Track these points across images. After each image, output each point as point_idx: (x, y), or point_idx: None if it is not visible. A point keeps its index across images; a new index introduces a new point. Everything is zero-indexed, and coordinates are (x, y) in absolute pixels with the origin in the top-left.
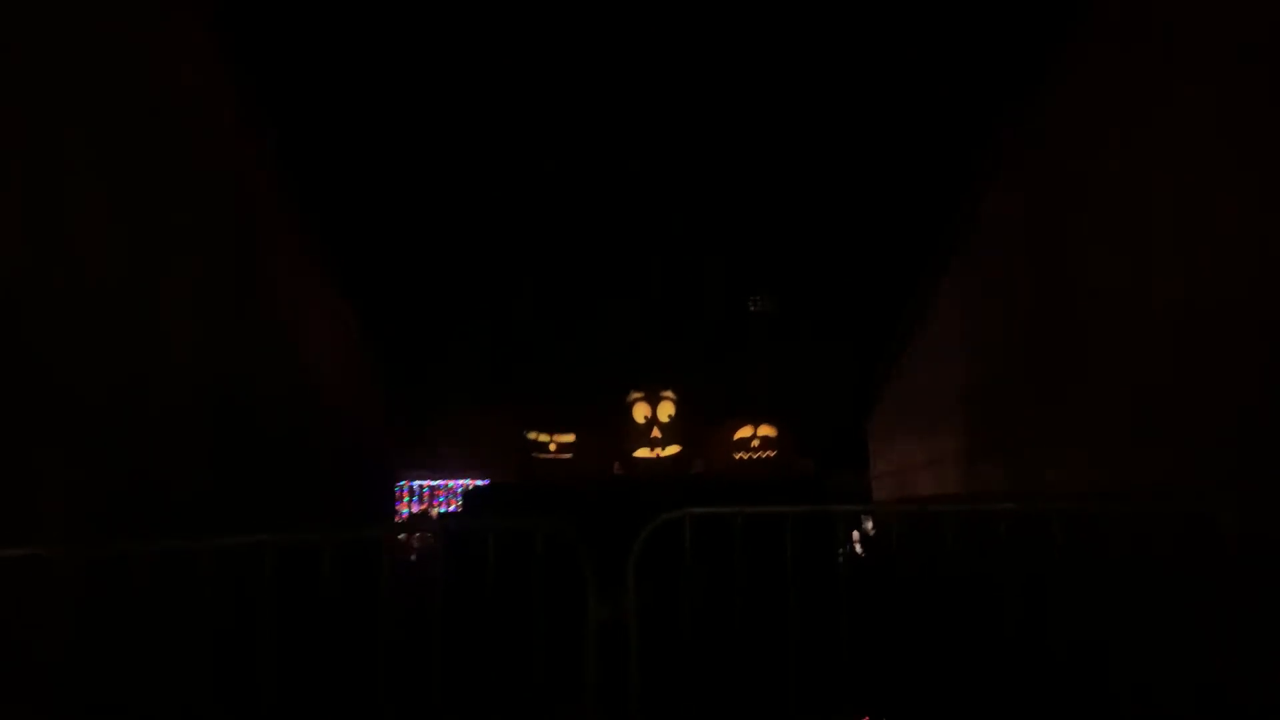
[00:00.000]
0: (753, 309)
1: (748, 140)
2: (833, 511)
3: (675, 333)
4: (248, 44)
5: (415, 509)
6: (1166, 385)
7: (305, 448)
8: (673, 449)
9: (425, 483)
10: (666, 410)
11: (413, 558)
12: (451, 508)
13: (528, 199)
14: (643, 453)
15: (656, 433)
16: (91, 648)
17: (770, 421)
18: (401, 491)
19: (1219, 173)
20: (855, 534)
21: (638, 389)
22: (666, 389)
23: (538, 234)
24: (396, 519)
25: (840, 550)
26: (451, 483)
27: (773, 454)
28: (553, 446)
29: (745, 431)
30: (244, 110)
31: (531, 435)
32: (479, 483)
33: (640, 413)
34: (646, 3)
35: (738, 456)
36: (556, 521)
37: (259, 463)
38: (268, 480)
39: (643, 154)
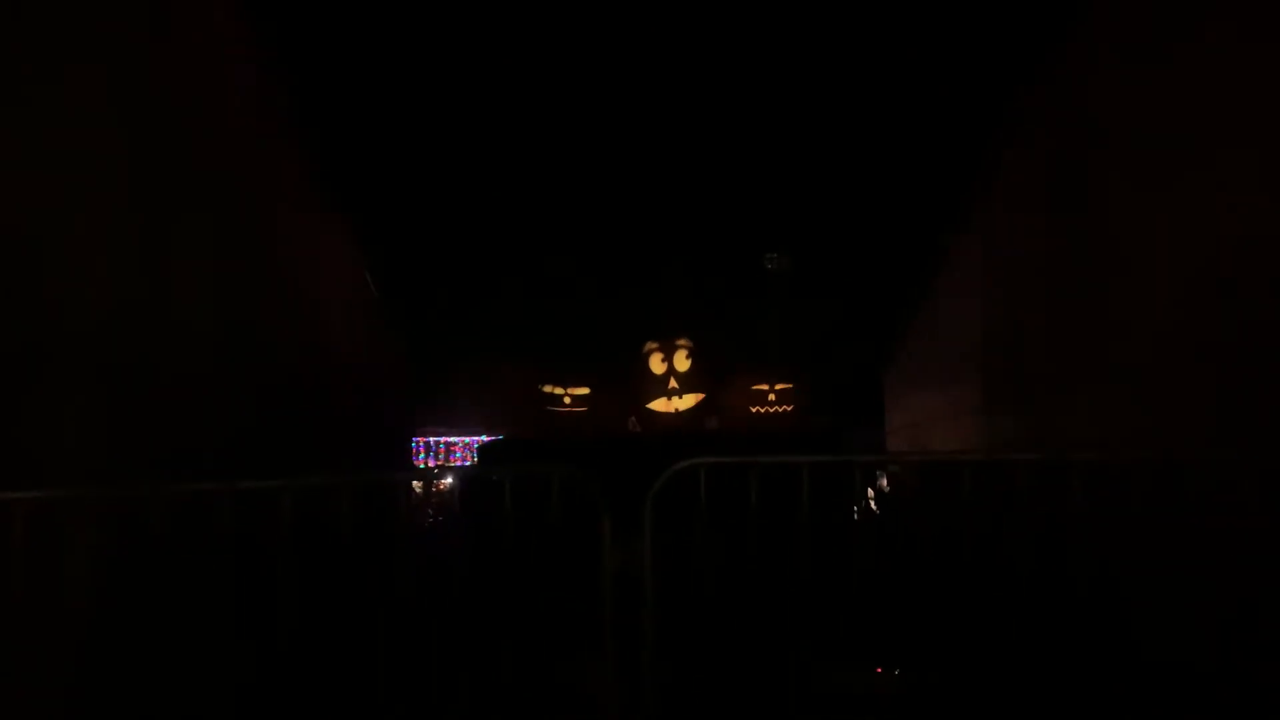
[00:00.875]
0: (769, 267)
1: (767, 95)
2: (851, 462)
3: (692, 287)
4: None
5: (431, 464)
6: (1187, 334)
7: (324, 403)
8: (690, 399)
9: (441, 439)
10: (682, 359)
11: (429, 512)
12: (466, 463)
13: (545, 155)
14: (659, 404)
15: (674, 383)
16: (111, 590)
17: (787, 375)
18: (417, 448)
19: (1239, 117)
20: (870, 490)
21: (653, 340)
22: (682, 338)
23: (554, 189)
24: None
25: (856, 505)
26: (467, 438)
27: (789, 408)
28: (567, 399)
29: (762, 385)
30: (264, 67)
31: (546, 389)
32: (494, 438)
33: (655, 363)
34: None
35: (754, 410)
36: (573, 468)
37: (278, 416)
38: (287, 434)
39: (661, 109)
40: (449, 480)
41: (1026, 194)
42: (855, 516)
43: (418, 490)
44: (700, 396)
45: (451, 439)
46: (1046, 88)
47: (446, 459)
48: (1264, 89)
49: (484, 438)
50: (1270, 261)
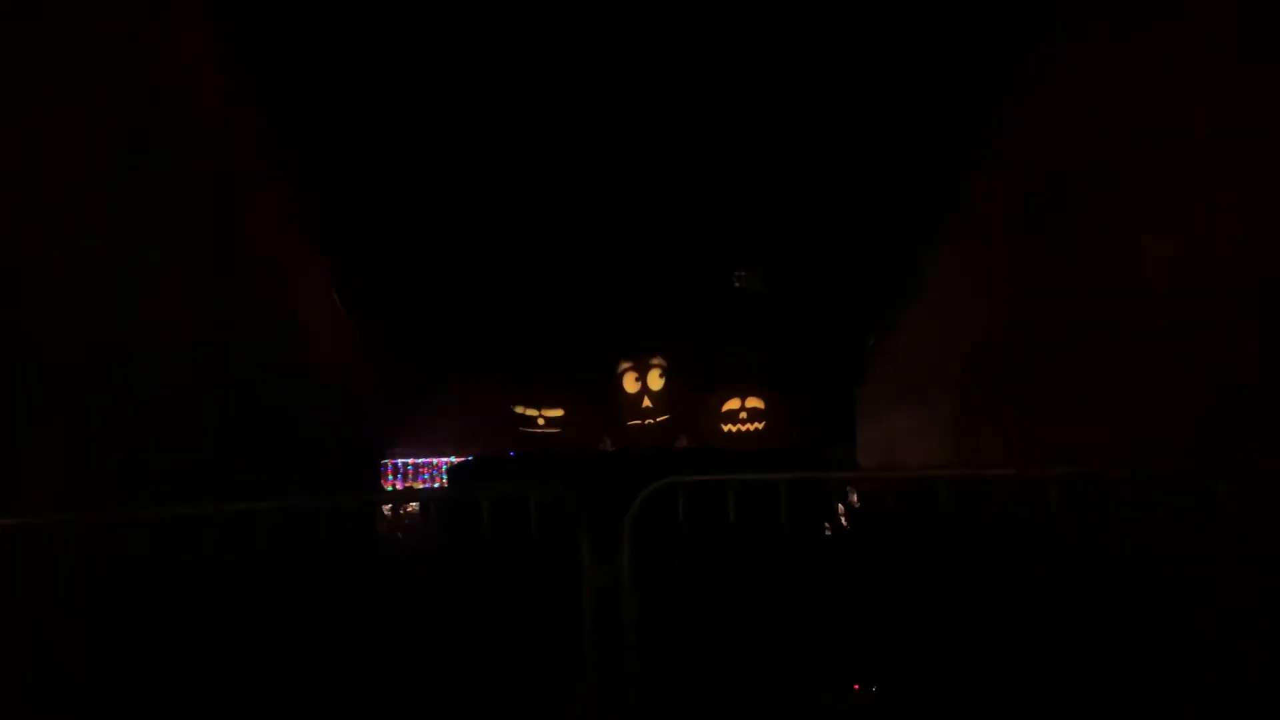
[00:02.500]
0: (737, 285)
1: (739, 110)
2: (825, 479)
3: (664, 306)
4: (239, 6)
5: (401, 486)
6: (1161, 350)
7: (294, 423)
8: (663, 418)
9: (411, 460)
10: (656, 379)
11: (400, 535)
12: (437, 485)
13: (517, 173)
14: (636, 423)
15: (648, 402)
16: (85, 616)
17: (758, 393)
18: (387, 470)
19: (1210, 133)
20: (840, 507)
21: (627, 360)
22: (655, 357)
23: (526, 208)
24: None
25: (827, 524)
26: (437, 460)
27: (761, 426)
28: (541, 421)
29: (733, 404)
30: (237, 85)
31: (519, 409)
32: (464, 459)
33: (631, 382)
34: None
35: (726, 428)
36: (550, 487)
37: (249, 438)
38: (258, 455)
39: (635, 131)
40: (414, 505)
41: (998, 209)
42: (828, 533)
43: (387, 513)
44: (670, 416)
45: (421, 460)
46: (1017, 103)
47: (416, 480)
48: (1231, 103)
49: (453, 459)
50: (1240, 273)
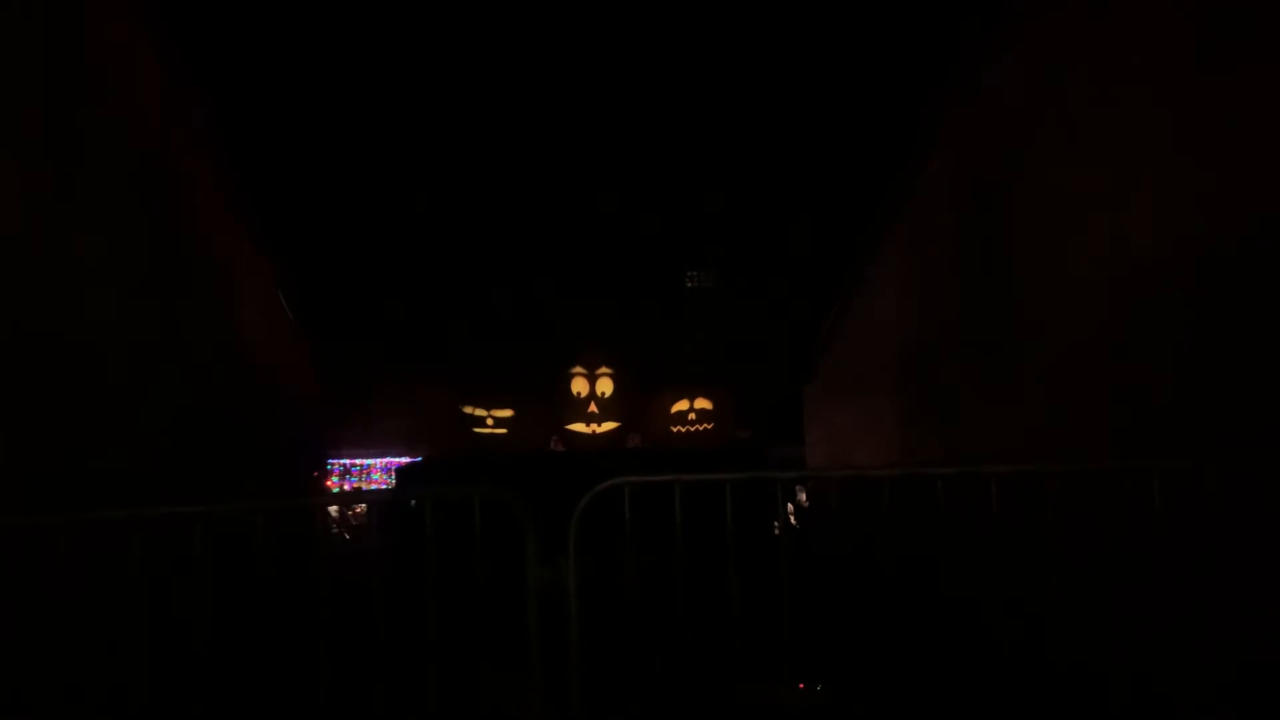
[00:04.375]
0: (690, 285)
1: (683, 111)
2: (771, 478)
3: (613, 305)
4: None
5: (347, 488)
6: (1096, 348)
7: (236, 423)
8: (609, 425)
9: (357, 460)
10: (604, 387)
11: (346, 536)
12: (383, 485)
13: (464, 168)
14: (578, 427)
15: (594, 408)
16: (20, 623)
17: (707, 394)
18: (332, 470)
19: (1149, 129)
20: (789, 505)
21: (577, 364)
22: (606, 366)
23: (474, 205)
24: None
25: (776, 523)
26: (383, 460)
27: (709, 426)
28: (490, 421)
29: (682, 405)
30: (174, 85)
31: (468, 410)
32: (413, 459)
33: (578, 387)
34: None
35: (675, 429)
36: (494, 487)
37: (187, 438)
38: (197, 456)
39: (583, 133)
40: (362, 506)
41: (941, 207)
42: (776, 532)
43: (334, 514)
44: (619, 424)
45: (367, 460)
46: (960, 100)
47: (365, 481)
48: (1167, 103)
49: (403, 459)
50: (1172, 270)
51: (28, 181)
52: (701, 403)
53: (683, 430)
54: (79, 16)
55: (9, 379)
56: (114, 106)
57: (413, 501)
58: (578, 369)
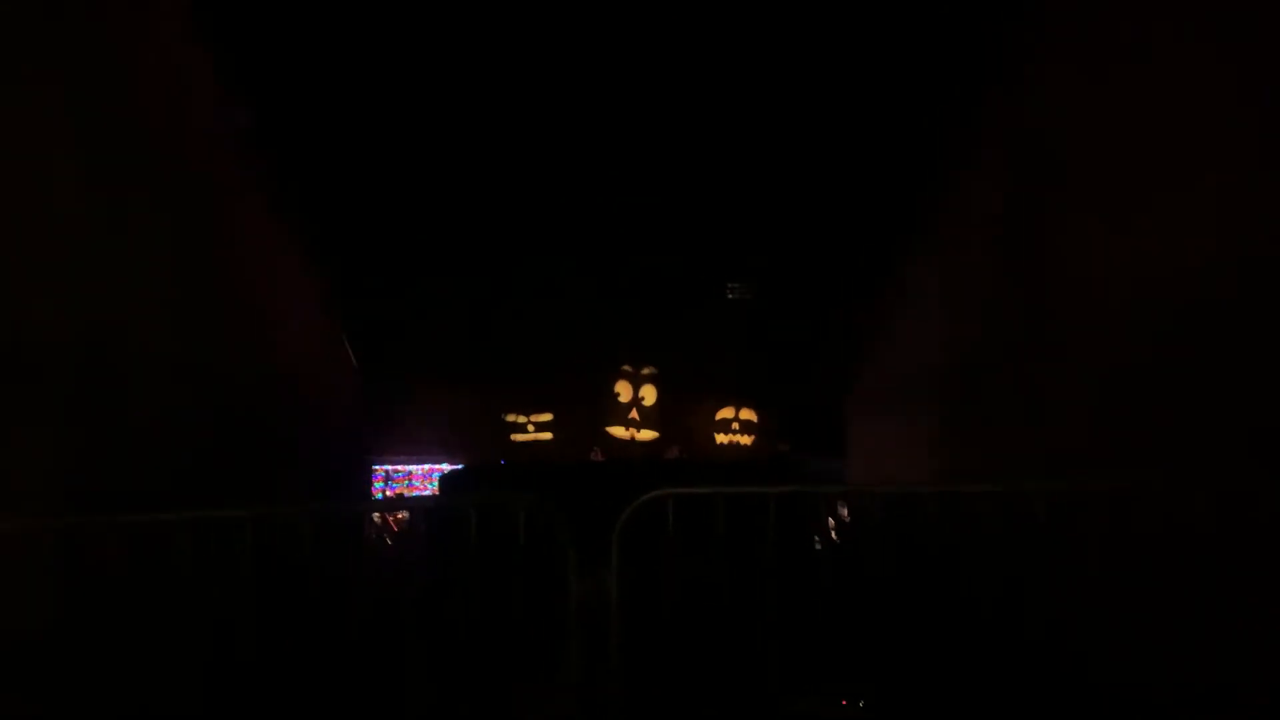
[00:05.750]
0: (731, 296)
1: (730, 122)
2: (814, 493)
3: (655, 314)
4: (225, 15)
5: (390, 494)
6: (1142, 365)
7: (282, 432)
8: (649, 434)
9: (400, 468)
10: (649, 393)
11: (389, 541)
12: (427, 492)
13: (507, 178)
14: (618, 431)
15: (635, 414)
16: (70, 622)
17: (750, 405)
18: (376, 477)
19: (1194, 142)
20: (830, 520)
21: (625, 365)
22: (652, 371)
23: (516, 214)
24: None
25: (817, 537)
26: (426, 466)
27: (753, 438)
28: (530, 427)
29: (727, 412)
30: (220, 86)
31: (509, 417)
32: (455, 466)
33: (623, 390)
34: None
35: (719, 438)
36: (538, 498)
37: (236, 446)
38: (245, 463)
39: (625, 134)
40: (404, 513)
41: (981, 221)
42: (818, 546)
43: (377, 521)
44: (658, 435)
45: (410, 467)
46: (1000, 116)
47: (408, 487)
48: (1217, 116)
49: (444, 465)
50: (1227, 289)
51: (81, 195)
52: (746, 414)
53: (727, 440)
54: (140, 27)
55: (65, 388)
56: (166, 119)
57: (459, 509)
58: (627, 369)
